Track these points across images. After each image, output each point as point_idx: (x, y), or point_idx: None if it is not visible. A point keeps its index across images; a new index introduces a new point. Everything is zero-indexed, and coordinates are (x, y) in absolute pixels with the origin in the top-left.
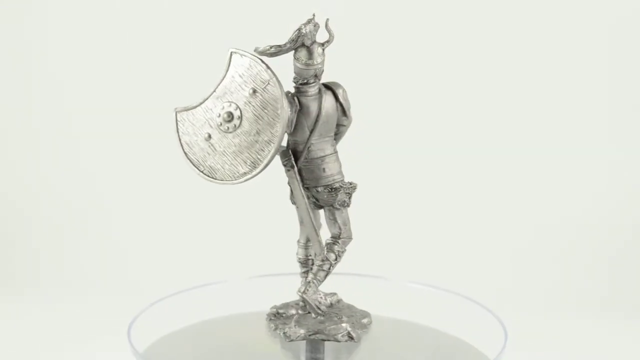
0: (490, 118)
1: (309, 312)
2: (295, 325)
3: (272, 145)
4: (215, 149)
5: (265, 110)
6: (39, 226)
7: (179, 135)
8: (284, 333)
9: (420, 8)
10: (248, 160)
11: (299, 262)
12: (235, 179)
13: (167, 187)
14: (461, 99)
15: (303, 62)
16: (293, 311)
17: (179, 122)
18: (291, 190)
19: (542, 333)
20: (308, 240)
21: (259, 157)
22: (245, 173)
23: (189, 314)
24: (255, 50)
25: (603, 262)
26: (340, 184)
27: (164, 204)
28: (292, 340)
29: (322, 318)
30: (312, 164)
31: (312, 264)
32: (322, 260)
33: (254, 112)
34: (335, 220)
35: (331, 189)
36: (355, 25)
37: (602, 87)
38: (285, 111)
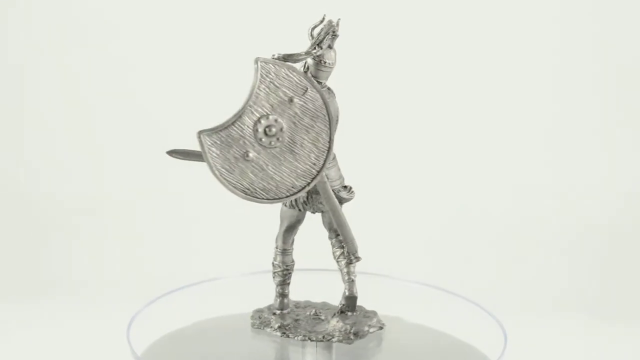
0: (491, 118)
1: (343, 312)
2: (355, 324)
3: (325, 151)
4: (262, 168)
5: (310, 117)
6: (36, 225)
7: (210, 162)
8: (353, 332)
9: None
10: (301, 172)
11: (286, 270)
12: (293, 194)
13: (164, 185)
14: (461, 98)
15: (327, 64)
16: (289, 319)
17: (206, 147)
18: (309, 196)
19: (542, 335)
20: (291, 246)
21: (313, 166)
22: (302, 186)
23: (189, 312)
24: (279, 57)
25: (604, 264)
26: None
27: (160, 202)
28: (362, 338)
29: (357, 313)
30: (333, 165)
31: (292, 271)
32: (356, 258)
33: (297, 120)
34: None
35: (345, 186)
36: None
37: (600, 88)
38: (333, 115)
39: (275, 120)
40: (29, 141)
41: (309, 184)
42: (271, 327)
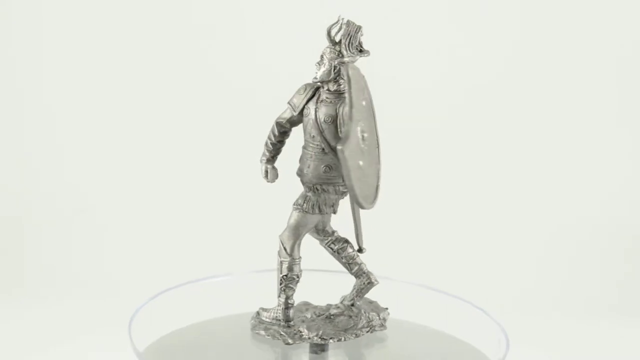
0: (496, 119)
1: (352, 304)
2: (375, 311)
3: (377, 147)
4: (365, 174)
5: (369, 119)
6: (36, 224)
7: (351, 176)
8: (382, 318)
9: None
10: (375, 171)
11: (296, 278)
12: (377, 197)
13: (163, 182)
14: (467, 97)
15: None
16: (315, 325)
17: (346, 161)
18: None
19: (544, 336)
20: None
21: (377, 164)
22: (378, 185)
23: (190, 311)
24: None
25: (605, 264)
26: None
27: (161, 198)
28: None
29: (362, 302)
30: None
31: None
32: (360, 250)
33: (367, 122)
34: (330, 217)
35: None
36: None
37: (612, 88)
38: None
39: (363, 125)
40: (29, 140)
41: (379, 182)
42: (308, 338)
